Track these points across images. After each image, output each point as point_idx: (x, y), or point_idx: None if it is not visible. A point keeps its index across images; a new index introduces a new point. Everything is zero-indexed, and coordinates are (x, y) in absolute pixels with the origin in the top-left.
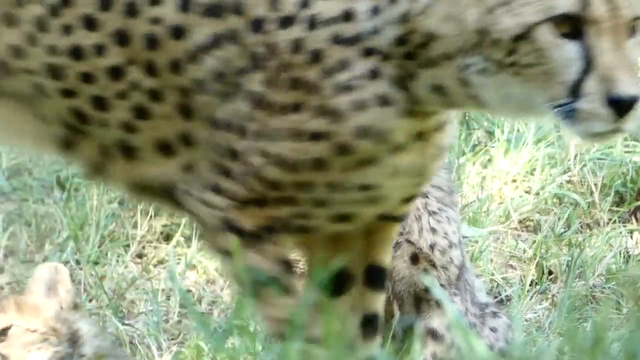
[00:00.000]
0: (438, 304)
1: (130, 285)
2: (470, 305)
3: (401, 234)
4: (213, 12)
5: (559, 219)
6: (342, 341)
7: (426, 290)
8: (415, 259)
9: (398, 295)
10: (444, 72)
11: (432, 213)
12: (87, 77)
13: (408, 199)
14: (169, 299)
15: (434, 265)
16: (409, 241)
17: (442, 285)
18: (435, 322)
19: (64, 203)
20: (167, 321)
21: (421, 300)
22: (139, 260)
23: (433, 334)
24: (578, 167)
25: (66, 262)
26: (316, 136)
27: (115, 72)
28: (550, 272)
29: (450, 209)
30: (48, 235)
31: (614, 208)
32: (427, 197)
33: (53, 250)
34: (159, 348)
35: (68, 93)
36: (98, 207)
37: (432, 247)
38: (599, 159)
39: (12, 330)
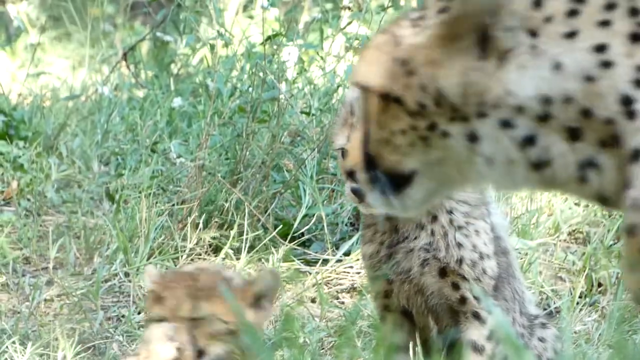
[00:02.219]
0: (474, 316)
1: None
2: (519, 316)
3: (428, 251)
4: None
5: (608, 230)
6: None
7: (460, 302)
8: (443, 273)
9: (432, 308)
10: None
11: (458, 228)
12: None
13: None
14: None
15: (464, 278)
16: (435, 258)
17: (475, 297)
18: (474, 334)
19: (113, 215)
20: None
21: (457, 313)
22: None
23: (474, 347)
24: None
25: (115, 275)
26: None
27: None
28: (599, 284)
29: (481, 221)
30: (97, 247)
31: None
32: (452, 213)
33: (102, 263)
34: None
35: None
36: (147, 219)
37: (459, 261)
38: None
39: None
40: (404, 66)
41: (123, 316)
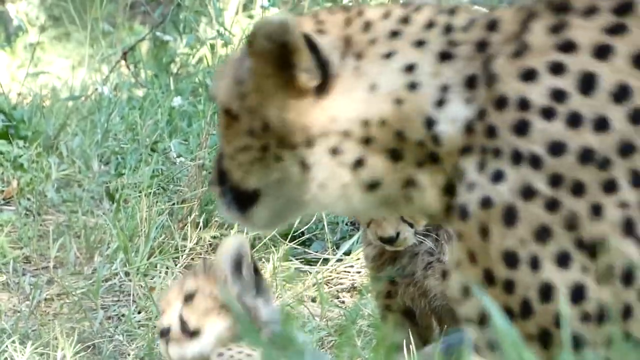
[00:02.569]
0: None
1: None
2: None
3: (432, 254)
4: None
5: None
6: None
7: None
8: (446, 275)
9: (435, 310)
10: None
11: None
12: None
13: None
14: None
15: None
16: (439, 260)
17: None
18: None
19: (113, 214)
20: None
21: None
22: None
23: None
24: None
25: (115, 274)
26: None
27: None
28: None
29: None
30: (97, 246)
31: None
32: None
33: (102, 262)
34: None
35: None
36: (147, 218)
37: None
38: None
39: (197, 294)
40: (239, 87)
41: (123, 315)
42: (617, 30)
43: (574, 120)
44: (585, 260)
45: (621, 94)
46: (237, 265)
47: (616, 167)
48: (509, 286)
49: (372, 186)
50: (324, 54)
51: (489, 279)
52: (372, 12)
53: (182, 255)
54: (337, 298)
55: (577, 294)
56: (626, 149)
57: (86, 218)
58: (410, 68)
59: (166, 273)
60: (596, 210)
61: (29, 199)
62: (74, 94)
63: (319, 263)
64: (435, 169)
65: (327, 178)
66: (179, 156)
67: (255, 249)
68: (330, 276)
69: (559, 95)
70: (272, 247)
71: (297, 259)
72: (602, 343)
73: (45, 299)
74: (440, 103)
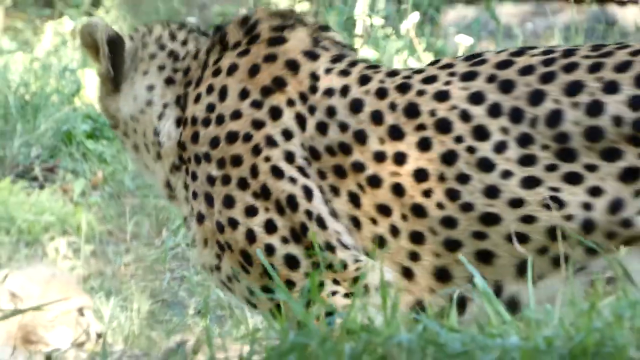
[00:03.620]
0: None
1: None
2: None
3: None
4: None
5: None
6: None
7: None
8: None
9: None
10: None
11: None
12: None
13: None
14: None
15: None
16: None
17: None
18: None
19: None
20: None
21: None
22: None
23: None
24: None
25: (178, 245)
26: None
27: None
28: None
29: None
30: (165, 223)
31: None
32: None
33: (169, 235)
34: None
35: None
36: None
37: None
38: None
39: None
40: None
41: (185, 277)
42: (244, 53)
43: (220, 120)
44: (264, 203)
45: (243, 94)
46: None
47: (255, 137)
48: (229, 246)
49: (159, 156)
50: (127, 60)
51: (220, 246)
52: (157, 29)
53: None
54: None
55: (270, 227)
56: (258, 124)
57: (156, 201)
58: (151, 88)
59: None
60: (254, 168)
61: (111, 186)
62: None
63: None
64: (161, 163)
65: (130, 149)
66: None
67: None
68: None
69: (211, 107)
70: None
71: None
72: (304, 254)
73: (124, 264)
74: (160, 117)
